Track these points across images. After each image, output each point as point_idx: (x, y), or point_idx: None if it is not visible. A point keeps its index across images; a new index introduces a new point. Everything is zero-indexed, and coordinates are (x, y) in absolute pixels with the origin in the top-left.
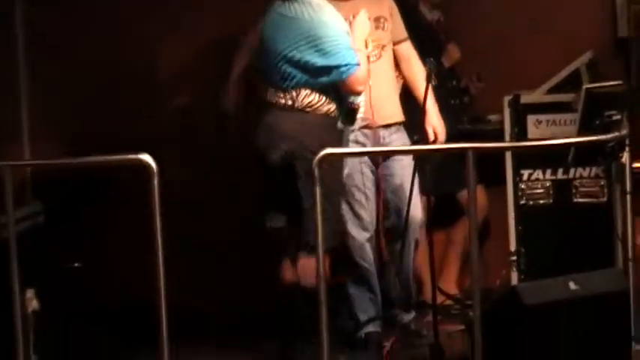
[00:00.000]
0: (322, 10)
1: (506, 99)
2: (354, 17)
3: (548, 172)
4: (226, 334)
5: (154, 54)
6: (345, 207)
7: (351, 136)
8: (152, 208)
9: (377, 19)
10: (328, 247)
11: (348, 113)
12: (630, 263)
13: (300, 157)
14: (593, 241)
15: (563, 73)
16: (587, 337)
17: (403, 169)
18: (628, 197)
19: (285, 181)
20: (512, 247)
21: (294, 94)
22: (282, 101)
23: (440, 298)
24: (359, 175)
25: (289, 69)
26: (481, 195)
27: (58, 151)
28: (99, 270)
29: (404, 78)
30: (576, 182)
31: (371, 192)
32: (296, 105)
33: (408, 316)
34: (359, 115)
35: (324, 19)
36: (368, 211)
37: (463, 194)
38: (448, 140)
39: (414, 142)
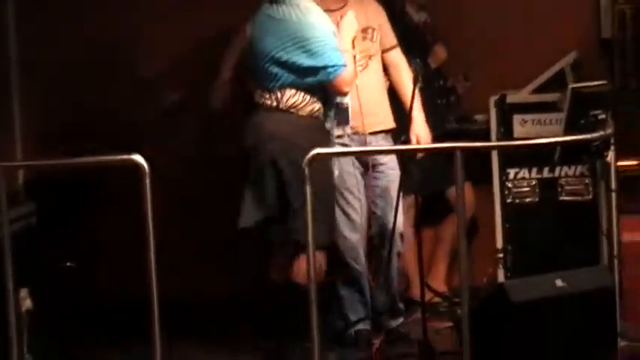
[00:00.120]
0: (309, 12)
1: (493, 99)
2: (341, 18)
3: (534, 170)
4: (220, 332)
5: (145, 52)
6: (338, 210)
7: (339, 141)
8: (144, 208)
9: (364, 30)
10: (324, 244)
11: (339, 113)
12: (615, 260)
13: (285, 157)
14: (578, 238)
15: (548, 74)
16: (573, 334)
17: (389, 181)
18: (613, 195)
19: (271, 180)
20: (499, 244)
21: (278, 94)
22: (268, 102)
23: (428, 296)
24: (350, 177)
25: (276, 69)
26: (468, 193)
27: (51, 151)
28: (92, 269)
29: (391, 83)
30: (562, 181)
31: (361, 194)
32: (280, 106)
33: (396, 322)
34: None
35: (311, 20)
36: (358, 213)
37: (451, 192)
38: (436, 140)
39: (401, 143)
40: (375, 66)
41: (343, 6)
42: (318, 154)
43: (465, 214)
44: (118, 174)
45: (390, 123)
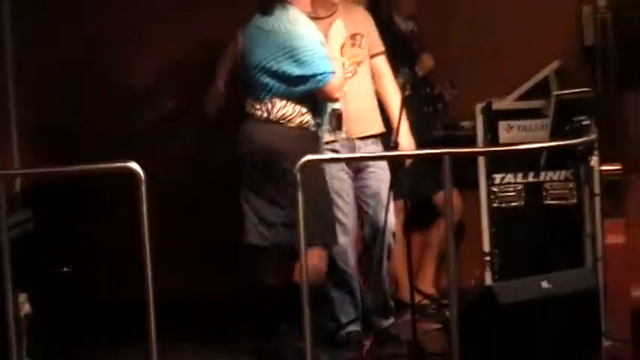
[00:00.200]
0: (298, 23)
1: (479, 106)
2: (330, 25)
3: (520, 175)
4: (216, 332)
5: (142, 56)
6: None
7: (329, 146)
8: (140, 214)
9: (353, 36)
10: (329, 242)
11: (333, 119)
12: (599, 263)
13: (276, 166)
14: (563, 241)
15: (533, 81)
16: (559, 334)
17: (378, 182)
18: (597, 199)
19: (263, 188)
20: (486, 248)
21: (269, 105)
22: (259, 113)
23: (417, 298)
24: (339, 182)
25: (267, 79)
26: (455, 198)
27: (46, 157)
28: (88, 273)
29: (375, 92)
30: (547, 185)
31: (350, 198)
32: (271, 117)
33: (387, 322)
34: (327, 133)
35: (299, 31)
36: (348, 217)
37: (439, 197)
38: (423, 146)
39: (390, 149)
40: (364, 72)
41: (332, 14)
42: (309, 160)
43: (453, 219)
44: (114, 180)
45: (379, 127)
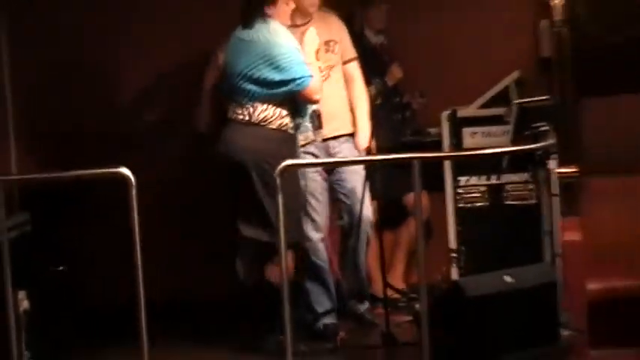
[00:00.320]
0: (277, 33)
1: (445, 113)
2: (303, 34)
3: (483, 178)
4: (216, 332)
5: (137, 67)
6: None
7: (304, 149)
8: (131, 216)
9: (327, 43)
10: (293, 238)
11: (314, 119)
12: (557, 258)
13: (256, 167)
14: (524, 239)
15: (495, 90)
16: (521, 324)
17: (352, 174)
18: (555, 199)
19: (245, 189)
20: (453, 245)
21: (251, 109)
22: (241, 117)
23: (389, 292)
24: (313, 182)
25: (249, 86)
26: (424, 199)
27: (43, 161)
28: (82, 272)
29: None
30: (508, 186)
31: (323, 197)
32: (252, 120)
33: (363, 306)
34: (309, 132)
35: (278, 40)
36: (320, 215)
37: (408, 198)
38: (393, 151)
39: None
40: (337, 76)
41: (308, 22)
42: (289, 165)
43: (422, 218)
44: (108, 184)
45: (350, 127)
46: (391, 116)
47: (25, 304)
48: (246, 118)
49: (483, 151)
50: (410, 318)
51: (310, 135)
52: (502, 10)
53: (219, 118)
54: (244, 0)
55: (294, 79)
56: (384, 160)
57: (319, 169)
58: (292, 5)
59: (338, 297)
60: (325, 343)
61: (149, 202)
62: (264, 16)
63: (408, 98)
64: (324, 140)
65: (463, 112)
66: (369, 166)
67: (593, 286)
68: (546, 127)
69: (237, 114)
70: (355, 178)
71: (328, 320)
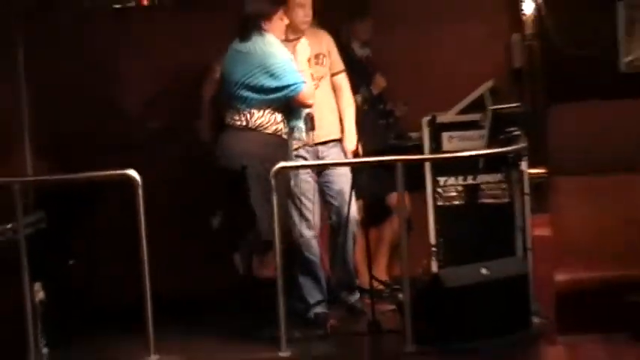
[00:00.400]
0: (271, 45)
1: (425, 119)
2: (294, 47)
3: (460, 178)
4: (216, 331)
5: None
6: (295, 211)
7: (296, 152)
8: (137, 215)
9: (317, 56)
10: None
11: (308, 122)
12: (529, 252)
13: (251, 170)
14: (498, 234)
15: (471, 98)
16: (496, 312)
17: (340, 177)
18: (526, 198)
19: (240, 190)
20: (432, 240)
21: (247, 115)
22: (238, 122)
23: (373, 284)
24: (304, 183)
25: (246, 93)
26: (405, 198)
27: (57, 160)
28: (92, 267)
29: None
30: (483, 186)
31: (315, 198)
32: (249, 125)
33: (354, 297)
34: (302, 133)
35: (273, 51)
36: (312, 213)
37: (391, 197)
38: (378, 154)
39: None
40: (326, 86)
41: (299, 37)
42: (283, 167)
43: (405, 216)
44: (115, 185)
45: (338, 133)
46: (376, 122)
47: (40, 295)
48: (244, 123)
49: (461, 153)
50: (393, 307)
51: (304, 136)
52: (477, 24)
53: (219, 127)
54: (243, 15)
55: (288, 86)
56: (370, 162)
57: (310, 171)
58: (287, 21)
59: (328, 289)
60: (316, 330)
61: (150, 203)
62: (260, 30)
63: (391, 105)
64: (314, 145)
65: (442, 117)
66: (354, 174)
67: (560, 277)
68: (518, 132)
69: (235, 120)
70: (342, 180)
71: (319, 310)
